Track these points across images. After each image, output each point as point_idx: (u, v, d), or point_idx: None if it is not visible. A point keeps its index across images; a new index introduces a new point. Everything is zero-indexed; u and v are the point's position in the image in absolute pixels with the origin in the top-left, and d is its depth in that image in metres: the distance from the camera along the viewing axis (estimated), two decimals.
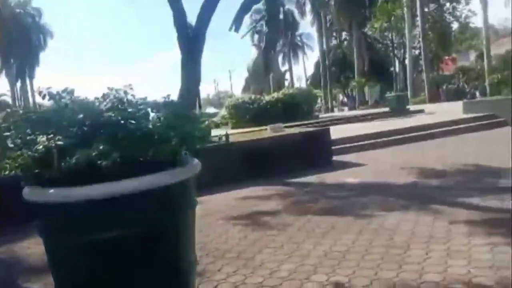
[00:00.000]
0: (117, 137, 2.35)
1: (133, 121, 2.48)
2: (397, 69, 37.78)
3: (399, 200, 4.76)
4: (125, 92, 2.74)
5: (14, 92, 38.77)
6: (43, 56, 40.44)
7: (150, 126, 2.39)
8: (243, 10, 14.38)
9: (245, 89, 19.89)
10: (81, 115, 2.46)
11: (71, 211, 2.05)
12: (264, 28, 18.91)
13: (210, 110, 41.15)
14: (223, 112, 18.76)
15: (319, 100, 47.24)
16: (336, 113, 28.04)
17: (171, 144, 2.48)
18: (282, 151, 7.47)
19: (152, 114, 2.61)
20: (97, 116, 2.47)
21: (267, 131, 8.39)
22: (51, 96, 2.74)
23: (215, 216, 4.91)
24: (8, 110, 2.66)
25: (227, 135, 7.23)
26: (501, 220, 3.66)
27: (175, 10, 7.75)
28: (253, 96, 17.37)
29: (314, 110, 19.62)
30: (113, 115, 2.42)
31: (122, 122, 2.43)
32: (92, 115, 2.50)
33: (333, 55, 43.85)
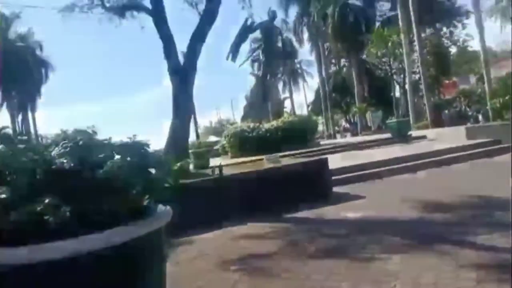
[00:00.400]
0: (68, 188, 2.06)
1: (90, 169, 2.20)
2: (398, 94, 37.78)
3: (402, 239, 4.40)
4: (90, 133, 2.47)
5: (16, 125, 38.83)
6: (44, 88, 40.81)
7: (107, 174, 2.10)
8: (239, 39, 14.46)
9: (244, 117, 19.72)
10: (31, 162, 2.19)
11: (5, 275, 1.73)
12: (261, 57, 18.90)
13: (212, 138, 41.07)
14: (223, 141, 18.52)
15: (321, 127, 47.23)
16: (338, 140, 27.81)
17: (131, 194, 2.19)
18: (279, 184, 7.14)
19: (117, 157, 2.32)
20: (47, 163, 2.18)
21: (263, 162, 8.08)
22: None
23: (208, 260, 4.56)
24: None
25: (220, 168, 6.94)
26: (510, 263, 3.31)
27: (165, 41, 7.64)
28: (252, 125, 17.18)
29: (315, 137, 19.34)
30: (65, 161, 2.14)
31: (76, 169, 2.15)
32: (44, 162, 2.21)
33: (333, 81, 44.02)
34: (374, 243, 4.40)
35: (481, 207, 5.41)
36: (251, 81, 20.14)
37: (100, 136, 2.35)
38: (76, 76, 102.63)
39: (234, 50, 14.49)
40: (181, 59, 8.18)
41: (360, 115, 36.86)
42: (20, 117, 41.25)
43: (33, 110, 42.56)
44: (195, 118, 27.76)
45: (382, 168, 9.31)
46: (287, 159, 9.38)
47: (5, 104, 37.71)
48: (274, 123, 17.14)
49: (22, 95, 38.01)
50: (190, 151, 14.12)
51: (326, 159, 7.64)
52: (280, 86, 52.35)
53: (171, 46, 7.69)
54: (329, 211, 6.32)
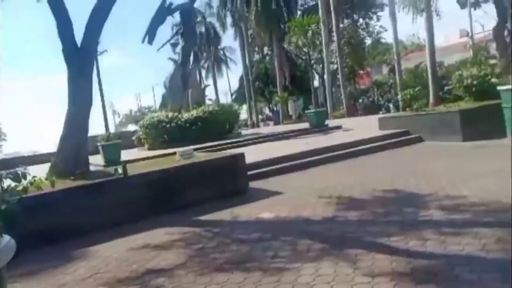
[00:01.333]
0: None
1: None
2: (317, 84, 38.85)
3: (316, 244, 4.13)
4: None
5: None
6: None
7: None
8: (156, 20, 13.47)
9: (162, 105, 18.65)
10: None
11: None
12: (180, 41, 17.94)
13: (132, 128, 38.84)
14: (140, 131, 17.35)
15: (245, 115, 47.14)
16: (260, 129, 27.82)
17: None
18: (191, 181, 6.62)
19: None
20: None
21: (175, 157, 7.46)
22: None
23: (97, 280, 3.91)
24: None
25: (124, 166, 6.20)
26: (427, 270, 3.17)
27: (59, 20, 6.60)
28: (170, 114, 16.26)
29: (237, 127, 18.98)
30: None
31: None
32: None
33: (257, 70, 44.08)
34: (288, 249, 4.08)
35: (393, 202, 5.37)
36: (171, 67, 19.15)
37: None
38: None
39: (151, 32, 13.48)
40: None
41: (281, 104, 37.33)
42: None
43: None
44: (103, 107, 25.98)
45: (301, 160, 9.19)
46: (204, 153, 8.85)
47: None
48: (194, 112, 16.40)
49: None
50: (98, 144, 12.95)
51: (242, 154, 7.24)
52: (204, 73, 51.58)
53: (65, 23, 6.66)
54: (243, 211, 5.93)
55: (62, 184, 6.08)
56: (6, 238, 1.82)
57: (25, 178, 2.08)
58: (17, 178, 2.05)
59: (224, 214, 5.87)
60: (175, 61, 18.72)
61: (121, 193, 6.00)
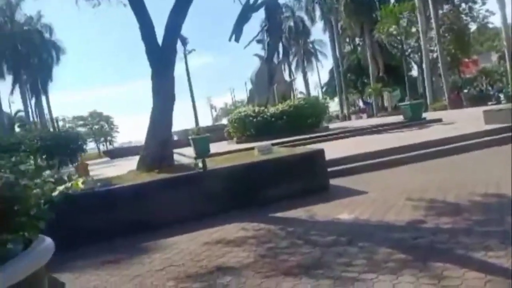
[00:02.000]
0: None
1: None
2: (416, 74, 36.24)
3: (397, 253, 3.69)
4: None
5: (28, 108, 38.97)
6: (56, 71, 40.69)
7: None
8: (241, 18, 13.60)
9: (249, 100, 18.90)
10: None
11: None
12: (266, 37, 17.93)
13: (225, 121, 40.34)
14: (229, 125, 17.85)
15: (337, 108, 45.99)
16: (351, 123, 26.81)
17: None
18: (269, 177, 6.49)
19: None
20: None
21: (254, 153, 7.40)
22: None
23: (169, 273, 3.97)
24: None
25: (204, 161, 6.29)
26: None
27: (141, 21, 6.91)
28: (256, 109, 16.40)
29: (324, 121, 18.50)
30: None
31: None
32: None
33: (348, 61, 42.64)
34: (364, 257, 3.70)
35: (495, 210, 4.62)
36: (258, 63, 19.27)
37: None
38: (88, 59, 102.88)
39: (237, 30, 13.69)
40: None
41: (375, 96, 35.58)
42: (33, 101, 41.36)
43: (46, 94, 42.67)
44: (193, 102, 27.20)
45: (390, 157, 8.53)
46: (284, 148, 8.68)
47: (17, 89, 37.70)
48: (280, 106, 16.33)
49: (33, 79, 37.92)
50: (189, 137, 13.56)
51: (322, 150, 6.90)
52: (293, 67, 51.43)
53: (147, 24, 6.97)
54: (321, 210, 5.63)
55: (147, 177, 6.40)
56: (46, 239, 1.82)
57: (70, 180, 2.09)
58: (59, 181, 2.06)
59: (301, 213, 5.63)
60: (261, 57, 18.74)
61: (201, 187, 6.11)
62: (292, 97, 20.32)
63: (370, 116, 35.62)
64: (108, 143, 66.67)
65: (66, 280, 4.20)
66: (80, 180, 2.14)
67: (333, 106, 55.41)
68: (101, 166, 19.69)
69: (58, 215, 5.17)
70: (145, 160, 7.15)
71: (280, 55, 22.28)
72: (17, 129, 43.36)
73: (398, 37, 25.25)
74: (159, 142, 7.04)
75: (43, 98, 42.49)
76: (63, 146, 6.30)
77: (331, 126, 20.38)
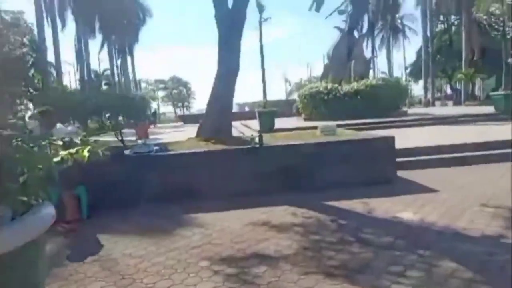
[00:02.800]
0: None
1: None
2: None
3: (465, 270, 3.11)
4: None
5: (114, 67, 41.49)
6: (141, 33, 42.54)
7: None
8: None
9: (323, 76, 18.01)
10: None
11: None
12: (349, 8, 16.71)
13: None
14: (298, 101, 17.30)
15: (421, 92, 42.87)
16: (434, 109, 24.76)
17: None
18: (329, 161, 6.01)
19: None
20: None
21: (316, 133, 6.91)
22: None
23: (204, 252, 3.78)
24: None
25: (260, 136, 5.99)
26: None
27: None
28: (329, 86, 15.62)
29: (405, 104, 17.17)
30: None
31: None
32: None
33: (439, 42, 39.17)
34: (422, 268, 3.18)
35: None
36: (336, 36, 18.07)
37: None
38: (173, 21, 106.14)
39: (319, 0, 12.96)
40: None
41: (465, 82, 32.41)
42: (119, 61, 43.92)
43: (132, 55, 45.06)
44: (263, 76, 26.67)
45: (471, 153, 7.54)
46: (351, 131, 8.06)
47: (105, 48, 40.17)
48: (355, 85, 15.37)
49: (120, 39, 40.07)
50: (256, 110, 13.32)
51: (393, 138, 6.22)
52: (377, 43, 48.51)
53: None
54: (381, 205, 5.07)
55: (203, 146, 6.26)
56: (45, 207, 1.62)
57: (83, 144, 1.87)
58: (65, 145, 1.85)
59: (358, 205, 5.12)
60: (341, 30, 17.63)
61: (255, 163, 5.83)
62: (370, 76, 19.06)
63: (456, 103, 32.66)
64: (185, 108, 69.56)
65: (105, 242, 4.22)
66: (86, 149, 1.91)
67: (417, 89, 51.86)
68: (171, 130, 20.39)
69: (109, 174, 5.24)
70: (204, 129, 7.04)
71: (364, 29, 20.90)
72: (103, 87, 46.64)
73: (501, 18, 22.28)
74: (218, 112, 6.86)
75: (128, 59, 44.99)
76: (127, 108, 6.45)
77: (411, 111, 18.91)
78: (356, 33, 18.37)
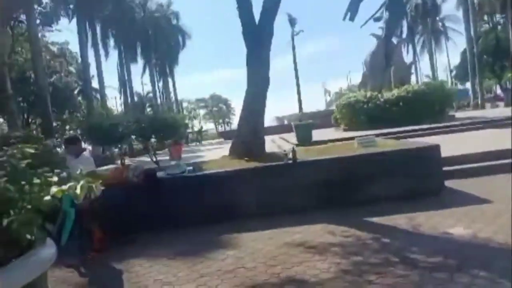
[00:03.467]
0: None
1: None
2: None
3: None
4: None
5: (156, 90, 42.78)
6: (181, 55, 43.74)
7: None
8: None
9: (362, 85, 17.46)
10: None
11: None
12: (385, 15, 16.18)
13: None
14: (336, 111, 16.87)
15: (469, 93, 40.82)
16: (484, 112, 23.38)
17: None
18: (369, 175, 5.68)
19: None
20: None
21: (353, 145, 6.58)
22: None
23: (234, 278, 3.59)
24: None
25: (294, 152, 5.76)
26: None
27: (239, 1, 6.54)
28: (368, 94, 15.12)
29: (451, 108, 16.29)
30: None
31: None
32: None
33: (484, 41, 37.22)
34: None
35: None
36: (373, 44, 17.60)
37: None
38: (211, 44, 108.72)
39: (353, 8, 12.66)
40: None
41: None
42: (160, 83, 45.32)
43: (172, 76, 46.35)
44: (298, 87, 26.32)
45: None
46: (392, 140, 7.63)
47: (147, 71, 41.61)
48: (396, 92, 14.78)
49: (161, 62, 41.39)
50: (292, 123, 13.08)
51: (438, 146, 5.77)
52: (418, 48, 46.93)
53: (245, 3, 6.59)
54: (428, 220, 4.66)
55: (236, 165, 6.12)
56: (46, 246, 1.51)
57: (76, 180, 1.75)
58: (61, 181, 1.74)
59: (402, 220, 4.74)
60: (378, 37, 17.11)
61: (288, 180, 5.60)
62: (412, 81, 18.31)
63: (508, 104, 30.67)
64: (225, 125, 70.50)
65: (138, 268, 4.13)
66: (79, 185, 1.78)
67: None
68: (210, 147, 20.52)
69: (142, 197, 5.20)
70: (237, 147, 6.92)
71: (403, 34, 20.18)
72: (148, 109, 48.21)
73: None
74: (250, 129, 6.71)
75: (169, 81, 46.30)
76: (158, 129, 6.51)
77: (459, 115, 17.91)
78: (394, 39, 17.80)
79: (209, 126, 69.66)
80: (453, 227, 4.32)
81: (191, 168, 5.98)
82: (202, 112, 70.95)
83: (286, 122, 32.87)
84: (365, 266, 3.54)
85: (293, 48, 28.00)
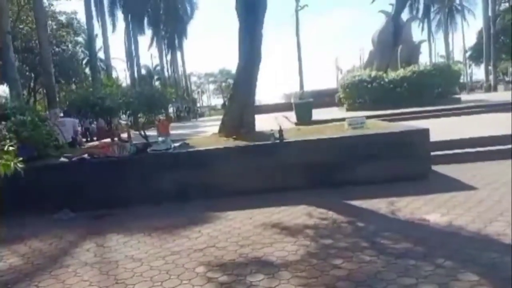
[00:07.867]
0: None
1: None
2: None
3: (485, 287, 2.69)
4: None
5: (164, 62, 42.51)
6: (190, 27, 43.26)
7: None
8: None
9: (368, 64, 17.06)
10: None
11: None
12: None
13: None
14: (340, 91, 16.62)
15: (482, 76, 39.90)
16: (494, 95, 22.89)
17: None
18: (356, 157, 5.62)
19: None
20: None
21: (343, 127, 6.48)
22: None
23: (204, 256, 3.62)
24: None
25: (280, 131, 5.70)
26: None
27: None
28: (373, 74, 14.82)
29: (456, 91, 15.94)
30: None
31: None
32: None
33: (502, 21, 36.07)
34: (439, 282, 2.79)
35: None
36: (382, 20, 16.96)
37: None
38: (220, 12, 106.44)
39: None
40: None
41: None
42: (169, 56, 45.00)
43: (181, 49, 45.96)
44: (299, 63, 25.78)
45: None
46: (386, 123, 7.50)
47: (154, 43, 41.25)
48: (401, 72, 14.46)
49: (170, 35, 41.05)
50: (291, 101, 12.92)
51: (427, 130, 5.67)
52: (433, 26, 45.70)
53: None
54: (409, 204, 4.62)
55: (222, 143, 6.10)
56: None
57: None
58: None
59: (382, 204, 4.71)
60: (387, 14, 16.58)
61: (274, 160, 5.57)
62: (421, 61, 17.86)
63: None
64: None
65: (114, 242, 4.19)
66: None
67: (479, 73, 48.23)
68: (210, 124, 20.50)
69: (127, 172, 5.23)
70: (226, 125, 6.86)
71: (419, 12, 19.48)
72: (156, 82, 48.06)
73: None
74: (239, 107, 6.64)
75: (178, 54, 45.96)
76: (145, 105, 6.47)
77: (469, 97, 17.56)
78: (403, 16, 17.29)
79: (219, 101, 69.50)
80: (431, 213, 4.28)
81: (177, 145, 5.97)
82: (211, 87, 70.67)
83: (292, 99, 32.57)
84: (333, 250, 3.53)
85: (297, 21, 27.51)
